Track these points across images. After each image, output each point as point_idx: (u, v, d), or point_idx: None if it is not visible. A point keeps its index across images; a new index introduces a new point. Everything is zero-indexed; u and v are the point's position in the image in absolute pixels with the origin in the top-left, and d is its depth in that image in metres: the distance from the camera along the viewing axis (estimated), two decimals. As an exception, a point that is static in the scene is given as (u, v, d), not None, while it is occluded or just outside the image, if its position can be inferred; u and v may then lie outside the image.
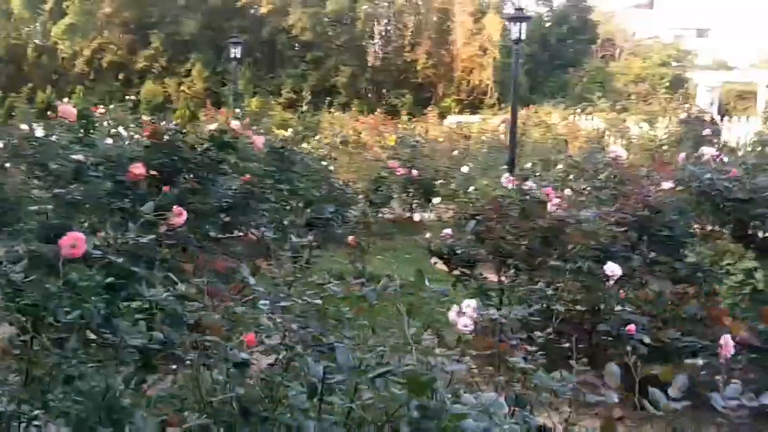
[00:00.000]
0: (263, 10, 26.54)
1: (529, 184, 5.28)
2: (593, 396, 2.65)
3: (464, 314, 3.56)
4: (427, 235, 8.86)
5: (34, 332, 2.61)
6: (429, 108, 22.42)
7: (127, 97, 20.79)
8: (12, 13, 29.29)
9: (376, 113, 20.18)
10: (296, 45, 26.90)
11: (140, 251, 3.33)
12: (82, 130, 4.61)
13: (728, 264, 4.94)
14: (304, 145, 11.06)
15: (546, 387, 2.42)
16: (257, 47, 26.87)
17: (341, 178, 8.71)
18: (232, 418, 1.77)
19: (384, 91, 26.08)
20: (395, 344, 2.93)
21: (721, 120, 16.77)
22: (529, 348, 2.41)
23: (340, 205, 6.50)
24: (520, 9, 10.63)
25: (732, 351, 3.82)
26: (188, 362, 2.58)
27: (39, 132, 6.53)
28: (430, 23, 26.35)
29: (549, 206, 4.89)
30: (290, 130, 16.97)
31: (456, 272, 5.21)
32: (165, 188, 3.83)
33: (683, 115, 14.59)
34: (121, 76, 28.38)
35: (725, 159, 5.72)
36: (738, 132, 16.62)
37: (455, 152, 13.08)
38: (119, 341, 2.44)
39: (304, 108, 22.47)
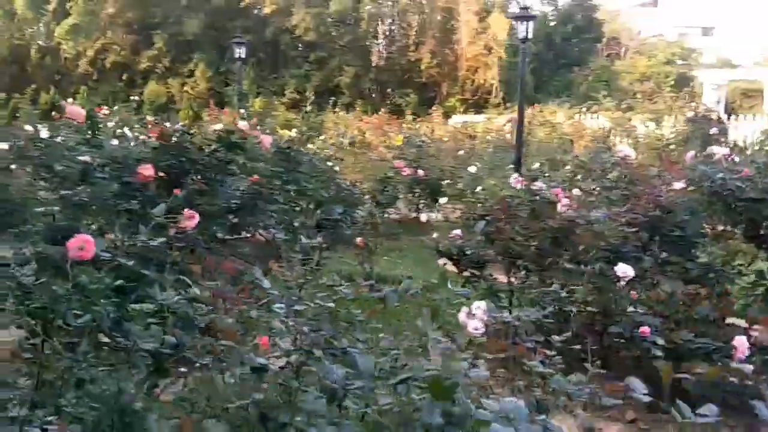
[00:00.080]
0: (266, 10, 26.54)
1: (539, 184, 5.25)
2: (609, 399, 2.62)
3: (474, 316, 3.53)
4: (435, 236, 8.83)
5: (44, 335, 2.59)
6: (433, 108, 22.40)
7: (131, 98, 20.81)
8: (15, 13, 29.33)
9: (380, 113, 20.16)
10: (300, 45, 26.89)
11: (150, 254, 3.31)
12: (88, 131, 4.58)
13: (740, 264, 4.91)
14: (309, 145, 11.03)
15: (563, 391, 2.39)
16: (260, 47, 26.87)
17: (347, 178, 8.68)
18: (249, 423, 1.75)
19: (388, 90, 26.04)
20: (409, 347, 2.90)
21: (728, 118, 16.69)
22: (546, 351, 2.37)
23: (348, 205, 6.47)
24: (526, 8, 10.58)
25: (746, 353, 3.80)
26: (198, 366, 2.56)
27: (43, 133, 6.51)
28: (435, 22, 26.31)
29: (559, 207, 4.85)
30: (294, 130, 16.95)
31: (466, 273, 5.17)
32: (176, 191, 3.80)
33: (690, 114, 14.53)
34: (124, 77, 28.40)
35: (736, 158, 5.68)
36: (745, 130, 16.56)
37: (461, 152, 13.05)
38: (131, 345, 2.41)
39: (308, 108, 22.44)
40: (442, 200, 10.16)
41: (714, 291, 4.49)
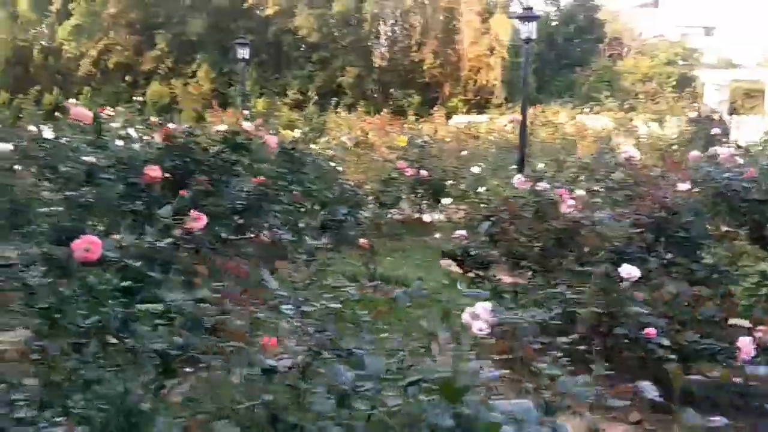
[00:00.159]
0: (269, 11, 26.53)
1: (543, 185, 5.25)
2: (615, 400, 2.62)
3: (479, 317, 3.53)
4: (437, 236, 8.84)
5: (52, 336, 2.60)
6: (436, 108, 22.40)
7: (134, 99, 20.82)
8: (18, 15, 29.36)
9: (382, 113, 20.15)
10: (302, 46, 26.89)
11: (155, 255, 3.32)
12: (94, 132, 4.59)
13: (744, 265, 4.91)
14: (312, 146, 11.03)
15: (569, 392, 2.39)
16: (263, 48, 26.86)
17: (350, 179, 8.69)
18: (258, 424, 1.75)
19: (391, 91, 26.03)
20: (413, 348, 2.91)
21: (730, 119, 16.69)
22: (554, 353, 2.37)
23: (352, 206, 6.48)
24: (529, 8, 10.57)
25: (751, 353, 3.80)
26: (205, 366, 2.57)
27: (47, 133, 6.52)
28: (437, 23, 26.29)
29: (563, 208, 4.85)
30: (297, 131, 16.95)
31: (470, 274, 5.18)
32: (182, 192, 3.81)
33: (692, 114, 14.52)
34: (127, 78, 28.41)
35: (740, 160, 5.67)
36: (746, 131, 16.55)
37: (464, 152, 13.04)
38: (139, 345, 2.42)
39: (310, 108, 22.45)
40: (446, 201, 10.15)
41: (718, 292, 4.49)
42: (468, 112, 23.37)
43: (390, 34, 27.89)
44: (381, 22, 27.73)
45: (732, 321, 4.35)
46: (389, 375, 1.77)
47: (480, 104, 25.15)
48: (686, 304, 4.25)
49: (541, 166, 7.50)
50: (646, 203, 4.65)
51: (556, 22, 29.14)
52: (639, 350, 4.00)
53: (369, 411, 1.74)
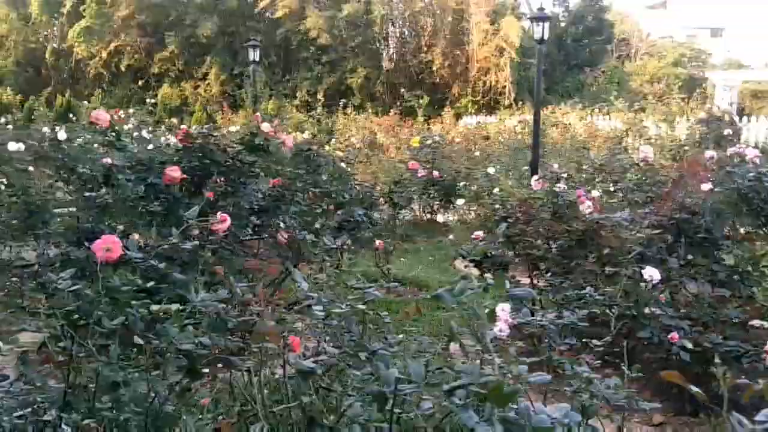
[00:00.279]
0: (279, 13, 26.54)
1: (561, 186, 5.21)
2: (646, 404, 2.59)
3: (499, 318, 3.51)
4: (450, 237, 8.82)
5: (75, 337, 2.58)
6: (445, 109, 22.38)
7: (146, 101, 20.89)
8: (30, 17, 29.49)
9: (391, 114, 20.13)
10: (311, 48, 26.87)
11: (176, 255, 3.30)
12: (113, 134, 4.59)
13: (765, 266, 4.85)
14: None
15: (600, 395, 2.37)
16: (273, 50, 26.89)
17: (362, 179, 8.67)
18: (294, 426, 1.73)
19: (400, 92, 25.98)
20: (439, 352, 2.87)
21: (740, 119, 16.60)
22: (583, 356, 2.34)
23: (367, 207, 6.46)
24: (542, 9, 10.52)
25: (777, 356, 3.75)
26: (233, 368, 2.55)
27: (61, 135, 6.54)
28: (446, 24, 26.24)
29: (582, 208, 4.81)
30: (307, 132, 16.97)
31: (487, 275, 5.14)
32: (208, 194, 3.80)
33: (703, 115, 14.45)
34: (138, 80, 28.48)
35: (757, 161, 5.62)
36: (757, 131, 16.47)
37: (477, 153, 13.02)
38: (166, 346, 2.40)
39: (319, 110, 22.47)
40: (459, 201, 10.13)
41: (740, 293, 4.45)
42: (477, 113, 23.33)
43: (399, 35, 27.87)
44: (390, 24, 27.72)
45: (754, 323, 4.31)
46: (432, 380, 1.74)
47: (489, 105, 25.10)
48: (708, 305, 4.21)
49: (555, 166, 7.45)
50: (666, 204, 4.61)
51: (565, 23, 29.05)
52: (661, 352, 3.96)
53: (408, 416, 1.72)
